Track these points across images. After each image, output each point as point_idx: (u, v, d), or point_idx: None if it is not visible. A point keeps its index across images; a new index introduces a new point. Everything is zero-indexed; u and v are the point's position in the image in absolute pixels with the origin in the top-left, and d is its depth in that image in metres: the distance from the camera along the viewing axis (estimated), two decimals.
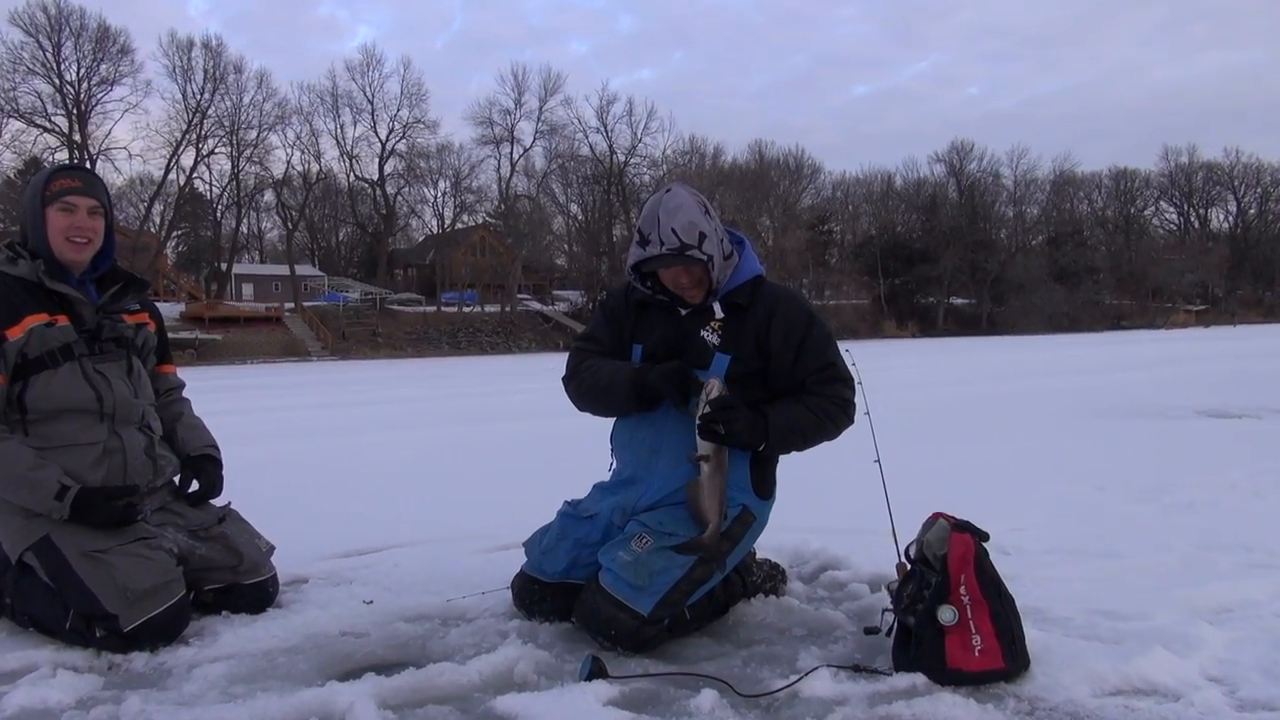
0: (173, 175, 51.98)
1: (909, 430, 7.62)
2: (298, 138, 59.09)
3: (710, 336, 2.53)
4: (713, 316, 2.55)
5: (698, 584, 2.43)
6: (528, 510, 3.17)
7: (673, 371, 2.40)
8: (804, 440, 2.51)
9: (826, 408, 2.49)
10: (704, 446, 2.39)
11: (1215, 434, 7.14)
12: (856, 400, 2.57)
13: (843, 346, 2.61)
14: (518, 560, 2.79)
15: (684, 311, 2.59)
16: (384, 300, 54.28)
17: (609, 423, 2.78)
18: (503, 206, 60.27)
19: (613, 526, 2.56)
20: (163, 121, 57.66)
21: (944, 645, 2.19)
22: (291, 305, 51.80)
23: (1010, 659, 2.21)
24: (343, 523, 4.24)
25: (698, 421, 2.37)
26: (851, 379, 2.57)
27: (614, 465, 2.74)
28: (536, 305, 59.49)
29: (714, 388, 2.38)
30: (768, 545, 3.12)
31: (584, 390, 2.63)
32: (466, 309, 55.01)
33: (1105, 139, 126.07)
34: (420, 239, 69.93)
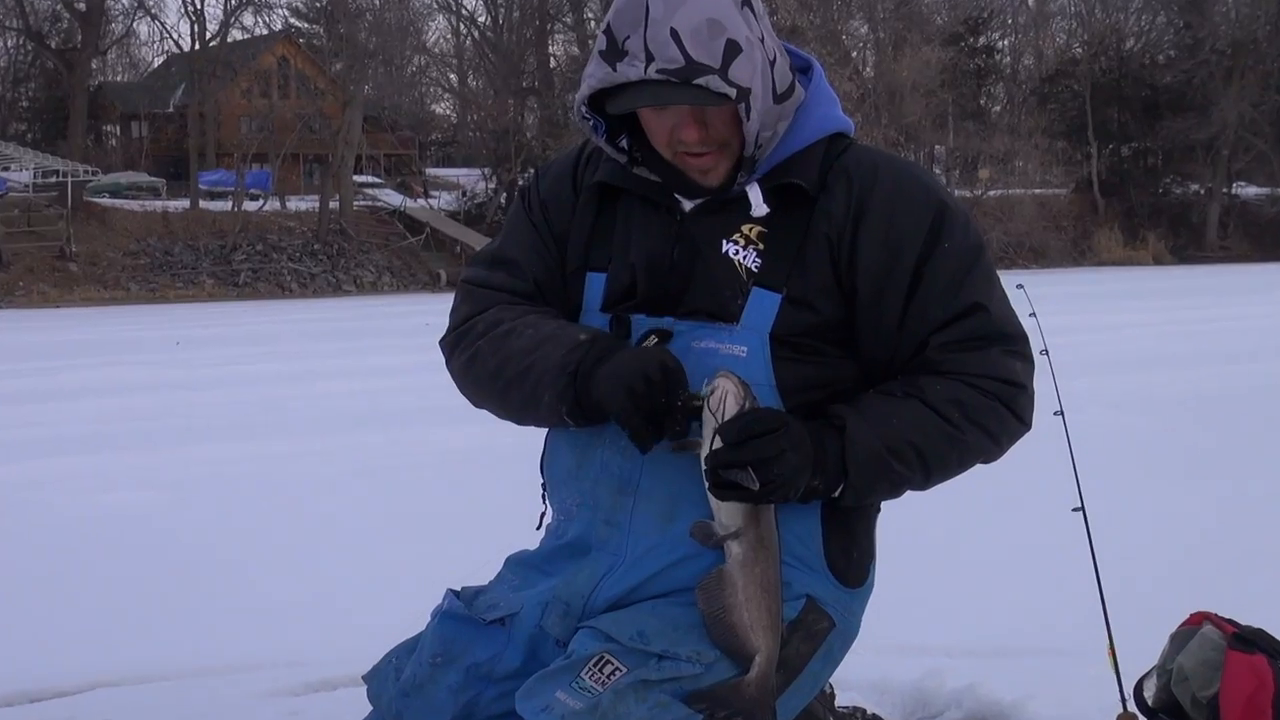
0: None
1: (1144, 448, 7.65)
2: None
3: (742, 255, 2.58)
4: (746, 216, 2.59)
5: None
6: (372, 611, 3.31)
7: (642, 375, 2.39)
8: (925, 471, 2.54)
9: (971, 402, 2.53)
10: (728, 513, 2.45)
11: None
12: (1036, 385, 2.61)
13: (1012, 278, 2.63)
14: (353, 710, 2.78)
15: (689, 205, 2.62)
16: (84, 187, 53.66)
17: (539, 434, 2.77)
18: None
19: (543, 640, 2.60)
20: None
21: None
22: None
23: None
24: None
25: (704, 467, 2.39)
26: (1025, 340, 2.60)
27: (548, 516, 2.77)
28: (393, 198, 59.64)
29: (726, 395, 2.40)
30: (859, 679, 3.09)
31: (480, 373, 2.68)
32: (252, 205, 54.78)
33: None
34: (156, 64, 69.19)
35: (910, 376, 2.54)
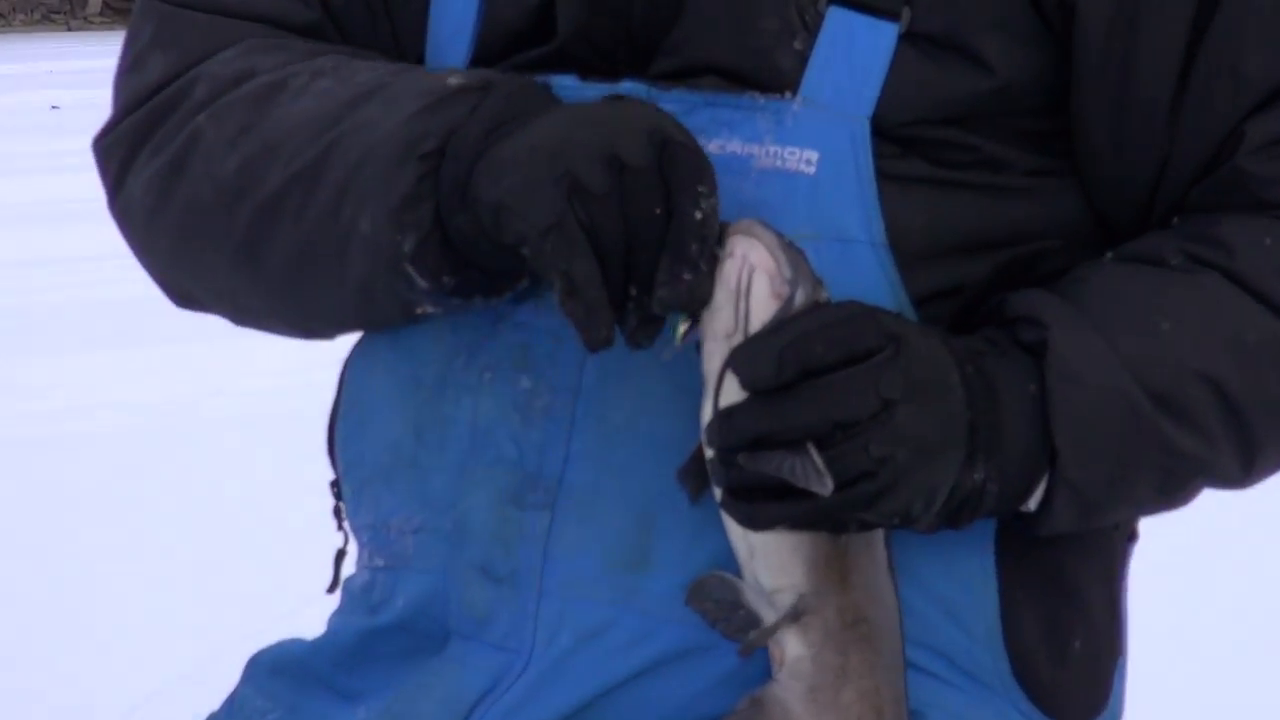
0: None
1: None
2: None
3: None
4: None
5: None
6: None
7: (601, 158, 1.52)
8: (1242, 441, 1.61)
9: None
10: (772, 560, 1.68)
11: None
12: None
13: None
14: None
15: None
16: None
17: (327, 361, 1.99)
18: None
19: None
20: None
21: None
22: None
23: None
24: None
25: (707, 451, 1.60)
26: None
27: (350, 559, 2.05)
28: None
29: (749, 275, 1.63)
30: None
31: (200, 192, 1.68)
32: None
33: None
34: None
35: (1198, 219, 1.57)
